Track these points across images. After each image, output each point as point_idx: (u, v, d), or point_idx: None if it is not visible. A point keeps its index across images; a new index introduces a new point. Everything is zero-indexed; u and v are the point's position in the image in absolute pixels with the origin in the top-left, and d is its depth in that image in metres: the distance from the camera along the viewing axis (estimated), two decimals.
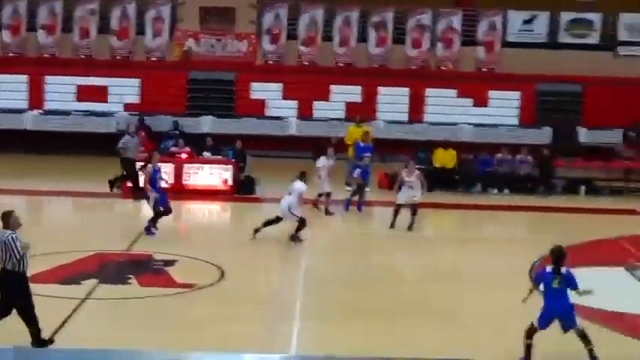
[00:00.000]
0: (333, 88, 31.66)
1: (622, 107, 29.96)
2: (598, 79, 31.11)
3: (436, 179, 26.95)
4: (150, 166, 20.69)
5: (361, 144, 24.94)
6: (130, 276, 16.92)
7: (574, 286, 13.25)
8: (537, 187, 27.36)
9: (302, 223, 19.97)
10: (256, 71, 32.25)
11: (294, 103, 31.63)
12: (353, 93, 31.57)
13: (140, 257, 18.54)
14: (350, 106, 31.05)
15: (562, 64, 31.11)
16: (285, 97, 31.78)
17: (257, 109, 31.54)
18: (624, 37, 31.73)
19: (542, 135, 30.08)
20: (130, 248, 19.11)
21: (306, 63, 32.45)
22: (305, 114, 31.50)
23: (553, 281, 13.31)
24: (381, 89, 31.53)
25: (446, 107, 31.19)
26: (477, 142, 29.35)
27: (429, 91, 31.42)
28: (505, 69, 31.67)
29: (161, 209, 20.31)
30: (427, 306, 16.08)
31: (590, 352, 13.03)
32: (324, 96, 31.63)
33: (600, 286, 17.96)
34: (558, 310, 13.21)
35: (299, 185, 20.14)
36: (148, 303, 15.35)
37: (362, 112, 29.53)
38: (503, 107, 31.30)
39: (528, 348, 13.18)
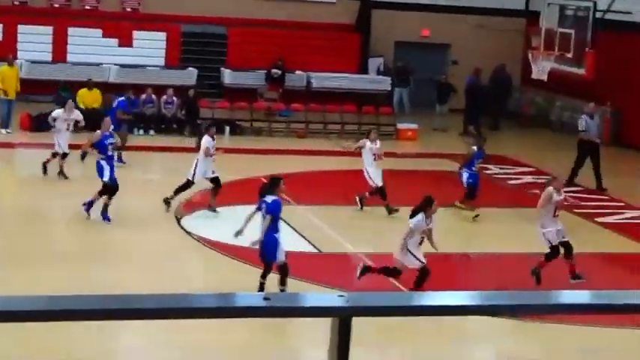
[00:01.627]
0: None
1: (265, 49, 30.75)
2: (242, 21, 31.73)
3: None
4: (98, 132, 18.39)
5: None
6: None
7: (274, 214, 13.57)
8: (183, 127, 27.60)
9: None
10: None
11: None
12: None
13: None
14: None
15: (207, 5, 31.44)
16: None
17: None
18: None
19: (188, 76, 30.30)
20: None
21: None
22: None
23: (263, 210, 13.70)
24: (22, 28, 30.42)
25: (90, 47, 30.59)
26: (122, 83, 29.06)
27: (73, 31, 30.68)
28: (150, 9, 31.53)
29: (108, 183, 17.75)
30: (74, 250, 15.93)
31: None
32: None
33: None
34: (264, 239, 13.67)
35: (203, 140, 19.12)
36: None
37: (2, 51, 28.39)
38: (149, 48, 31.18)
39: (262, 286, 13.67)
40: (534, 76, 27.93)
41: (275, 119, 29.13)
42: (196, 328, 11.40)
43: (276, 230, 13.86)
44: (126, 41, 30.96)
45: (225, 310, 2.63)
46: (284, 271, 13.76)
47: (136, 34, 31.02)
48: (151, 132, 27.31)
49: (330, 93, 30.55)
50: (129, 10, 31.81)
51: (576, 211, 20.40)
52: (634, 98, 28.94)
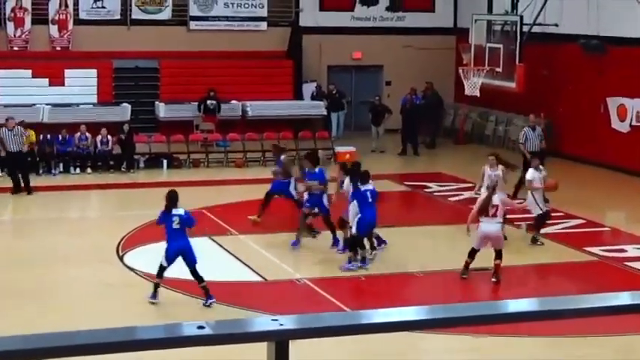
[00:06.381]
0: None
1: (198, 80, 30.69)
2: (173, 54, 31.68)
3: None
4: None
5: None
6: None
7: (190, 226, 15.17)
8: (120, 164, 27.41)
9: None
10: None
11: None
12: None
13: None
14: None
15: (137, 40, 31.36)
16: None
17: None
18: (195, 12, 32.51)
19: (122, 112, 30.10)
20: None
21: None
22: None
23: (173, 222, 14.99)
24: None
25: (21, 88, 30.27)
26: (55, 123, 28.80)
27: (2, 73, 30.34)
28: (80, 47, 31.35)
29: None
30: (16, 288, 15.73)
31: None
32: None
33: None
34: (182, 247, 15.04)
35: None
36: None
37: None
38: (81, 86, 30.95)
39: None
40: (467, 92, 28.23)
41: (212, 150, 29.06)
42: None
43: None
44: (57, 80, 30.72)
45: (156, 341, 2.60)
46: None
47: (67, 72, 30.79)
48: (88, 170, 27.07)
49: (266, 121, 30.55)
50: (58, 49, 31.58)
51: (517, 223, 20.56)
52: (565, 108, 29.34)
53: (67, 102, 30.20)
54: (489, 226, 16.37)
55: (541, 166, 19.70)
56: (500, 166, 19.34)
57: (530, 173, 19.43)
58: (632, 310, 3.20)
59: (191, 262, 15.06)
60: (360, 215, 17.12)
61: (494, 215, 16.33)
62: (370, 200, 17.13)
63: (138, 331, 2.77)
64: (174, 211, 15.16)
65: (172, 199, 15.34)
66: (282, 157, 21.22)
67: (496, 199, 16.48)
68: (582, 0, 27.89)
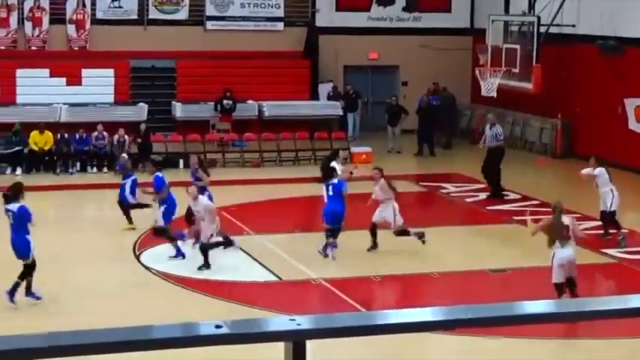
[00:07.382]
0: None
1: (214, 80, 30.74)
2: (189, 54, 31.73)
3: (34, 161, 26.57)
4: None
5: None
6: None
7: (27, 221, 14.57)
8: (137, 163, 27.44)
9: None
10: None
11: None
12: None
13: None
14: None
15: (154, 40, 31.42)
16: None
17: None
18: (211, 12, 32.55)
19: (139, 111, 30.17)
20: None
21: None
22: None
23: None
24: None
25: (38, 87, 30.39)
26: (73, 122, 28.90)
27: (20, 72, 30.46)
28: (97, 47, 31.45)
29: None
30: (34, 286, 15.76)
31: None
32: None
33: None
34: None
35: None
36: None
37: None
38: (98, 85, 31.03)
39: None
40: (483, 93, 28.17)
41: (228, 150, 29.08)
42: None
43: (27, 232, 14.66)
44: (74, 80, 30.80)
45: (175, 340, 2.62)
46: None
47: (84, 71, 30.87)
48: (105, 169, 27.16)
49: (282, 121, 30.57)
50: (76, 48, 31.69)
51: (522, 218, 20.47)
52: (582, 109, 29.24)
53: (85, 101, 30.29)
54: (567, 250, 14.98)
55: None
56: (383, 181, 18.73)
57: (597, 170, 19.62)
58: None
59: (19, 258, 14.73)
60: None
61: (568, 237, 14.97)
62: (331, 193, 17.93)
63: (155, 330, 2.78)
64: (9, 206, 14.63)
65: (11, 191, 14.83)
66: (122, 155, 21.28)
67: (566, 219, 15.14)
68: (599, 1, 27.81)
